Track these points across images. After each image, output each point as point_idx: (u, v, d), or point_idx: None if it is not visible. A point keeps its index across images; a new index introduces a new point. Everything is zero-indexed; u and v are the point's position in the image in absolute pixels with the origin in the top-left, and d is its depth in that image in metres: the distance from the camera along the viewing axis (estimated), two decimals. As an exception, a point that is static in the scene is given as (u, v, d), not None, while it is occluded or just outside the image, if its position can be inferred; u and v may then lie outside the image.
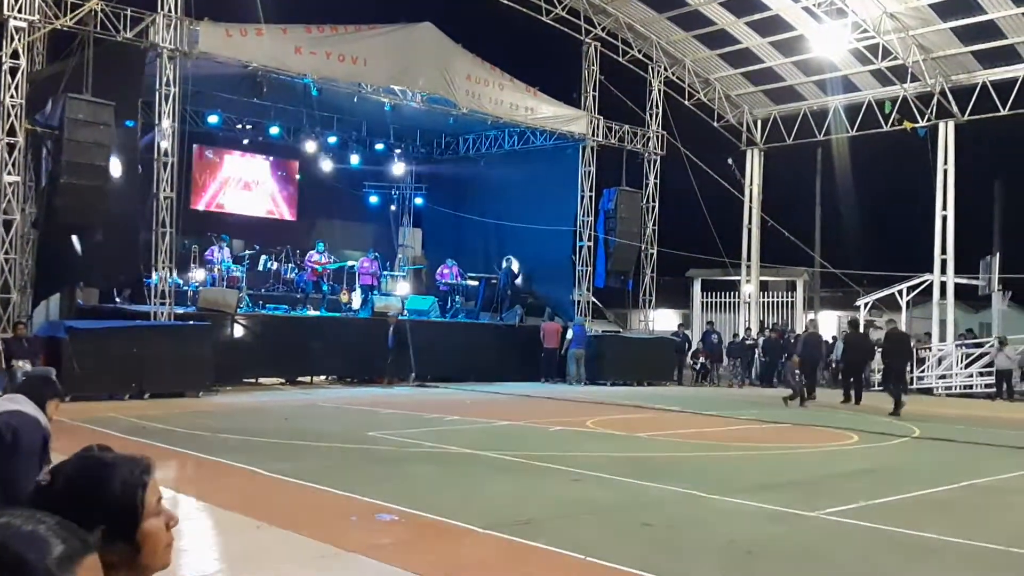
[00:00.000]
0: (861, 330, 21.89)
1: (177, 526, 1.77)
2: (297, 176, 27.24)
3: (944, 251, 25.83)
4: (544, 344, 24.50)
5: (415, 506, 7.88)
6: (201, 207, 25.14)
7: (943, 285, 25.93)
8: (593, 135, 25.43)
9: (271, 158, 26.95)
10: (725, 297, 32.34)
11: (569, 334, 24.48)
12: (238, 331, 19.92)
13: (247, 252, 23.01)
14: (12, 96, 16.56)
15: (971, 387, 25.02)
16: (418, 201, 29.95)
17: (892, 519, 7.98)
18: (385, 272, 25.26)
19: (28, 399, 4.72)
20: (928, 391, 24.97)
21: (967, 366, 25.43)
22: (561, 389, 22.60)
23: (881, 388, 20.88)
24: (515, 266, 25.83)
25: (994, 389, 24.16)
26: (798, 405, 19.03)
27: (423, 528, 7.32)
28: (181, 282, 20.44)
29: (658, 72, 27.18)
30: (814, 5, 23.11)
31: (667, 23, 26.22)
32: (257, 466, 9.69)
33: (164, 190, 18.00)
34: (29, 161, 17.20)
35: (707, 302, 32.98)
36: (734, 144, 29.89)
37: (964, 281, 26.80)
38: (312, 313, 22.27)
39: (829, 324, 33.03)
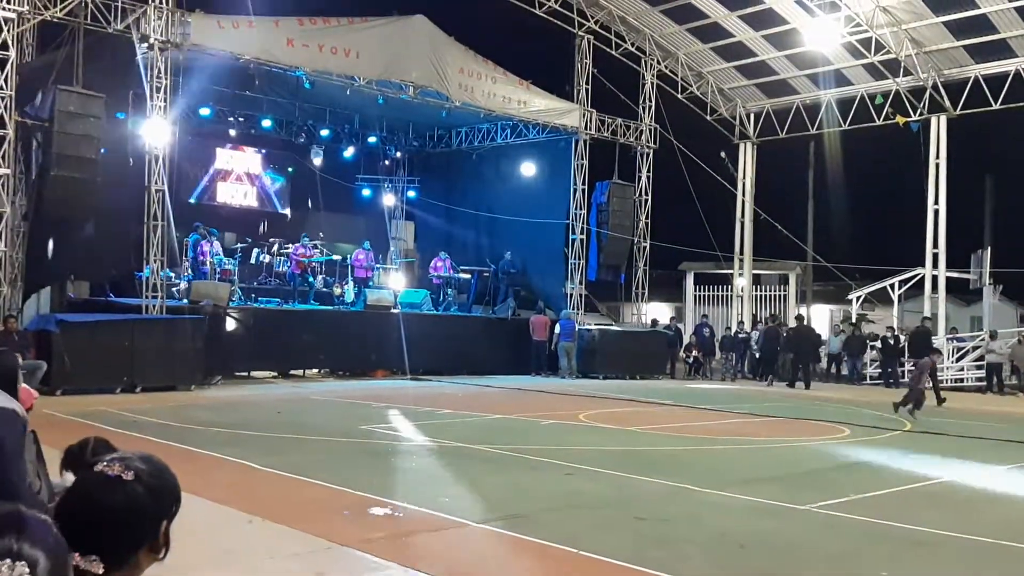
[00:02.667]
0: (806, 323, 25.55)
1: None
2: (289, 169, 27.16)
3: (936, 245, 25.88)
4: (533, 337, 24.52)
5: (408, 499, 7.88)
6: (193, 200, 25.05)
7: (935, 279, 25.99)
8: (586, 128, 25.41)
9: (263, 151, 26.85)
10: (718, 291, 32.40)
11: (558, 328, 24.49)
12: (230, 324, 19.87)
13: (239, 245, 22.94)
14: (1, 88, 16.44)
15: (962, 380, 25.12)
16: (410, 194, 29.89)
17: (882, 512, 8.01)
18: (377, 265, 25.23)
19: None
20: (919, 384, 25.01)
21: (958, 359, 25.52)
22: (553, 382, 22.61)
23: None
24: (507, 255, 25.87)
25: (985, 383, 24.26)
26: (909, 413, 16.19)
27: (416, 521, 7.32)
28: (173, 275, 20.37)
29: (651, 65, 27.17)
30: (807, -1, 23.12)
31: (660, 16, 26.19)
32: (249, 460, 9.68)
33: (155, 183, 17.93)
34: (19, 153, 17.11)
35: (700, 295, 33.04)
36: (727, 137, 29.91)
37: (956, 275, 26.87)
38: (304, 306, 22.24)
39: (822, 318, 33.14)
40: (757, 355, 26.75)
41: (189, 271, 21.21)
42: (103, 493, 1.73)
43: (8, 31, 16.45)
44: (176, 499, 1.84)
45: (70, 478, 4.01)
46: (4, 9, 16.33)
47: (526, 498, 8.37)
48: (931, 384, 18.94)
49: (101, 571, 1.65)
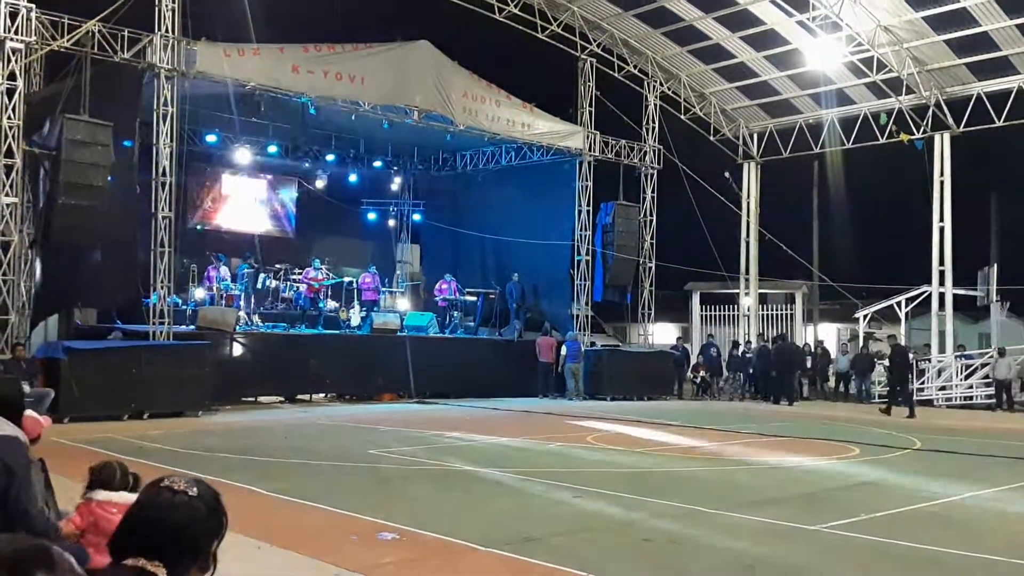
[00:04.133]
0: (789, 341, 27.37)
1: None
2: (295, 194, 27.28)
3: (942, 262, 25.82)
4: (540, 359, 24.48)
5: (416, 524, 7.86)
6: (200, 226, 25.16)
7: (941, 296, 25.93)
8: (590, 150, 25.49)
9: (269, 176, 26.98)
10: (724, 310, 32.35)
11: (564, 349, 24.44)
12: (237, 349, 19.89)
13: (245, 270, 22.99)
14: (9, 117, 16.57)
15: (971, 398, 25.00)
16: (416, 217, 30.00)
17: (894, 532, 7.96)
18: (383, 288, 25.28)
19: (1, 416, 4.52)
20: (928, 403, 24.94)
21: (967, 377, 25.41)
22: (560, 404, 22.56)
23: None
24: (515, 277, 25.90)
25: (994, 400, 24.14)
26: None
27: (424, 546, 7.30)
28: (180, 301, 20.42)
29: (654, 87, 27.27)
30: (808, 19, 23.20)
31: (662, 38, 26.32)
32: (257, 485, 9.67)
33: (162, 210, 18.02)
34: (27, 182, 17.20)
35: (706, 315, 32.98)
36: (731, 158, 29.95)
37: (963, 292, 26.80)
38: (311, 330, 22.27)
39: (829, 336, 33.08)
40: (751, 371, 27.21)
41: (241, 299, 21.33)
42: (171, 506, 1.92)
43: (16, 61, 16.61)
44: (224, 523, 2.03)
45: (103, 495, 4.07)
46: (12, 40, 16.50)
47: (535, 521, 8.34)
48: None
49: (164, 574, 1.82)
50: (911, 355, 23.68)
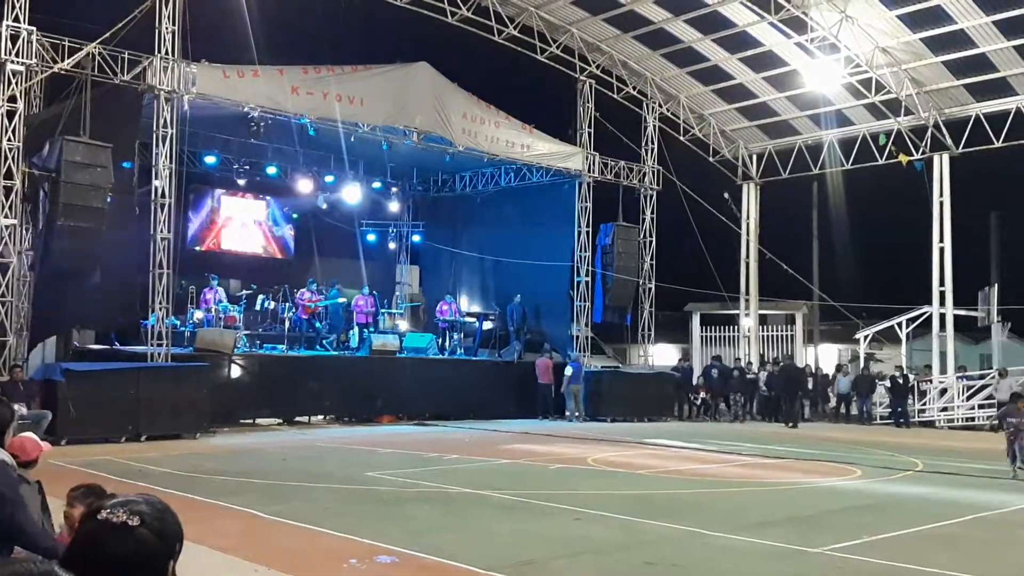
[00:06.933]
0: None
1: None
2: (294, 215, 27.27)
3: (942, 283, 25.78)
4: (539, 380, 24.38)
5: (415, 547, 7.78)
6: (198, 248, 25.13)
7: (942, 317, 25.87)
8: (589, 171, 25.52)
9: (268, 198, 26.99)
10: (724, 331, 32.28)
11: (568, 371, 24.32)
12: (235, 371, 19.81)
13: (244, 292, 22.94)
14: (9, 139, 16.58)
15: (973, 419, 24.87)
16: (415, 238, 30.00)
17: (896, 554, 7.88)
18: (383, 310, 25.20)
19: None
20: (930, 424, 24.83)
21: (968, 398, 25.31)
22: (561, 426, 22.46)
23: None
24: (516, 299, 25.85)
25: (996, 421, 24.00)
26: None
27: (423, 570, 7.22)
28: (178, 323, 20.35)
29: (653, 108, 27.35)
30: (807, 41, 23.31)
31: (661, 60, 26.41)
32: (255, 508, 9.59)
33: (161, 231, 18.00)
34: (26, 204, 17.20)
35: (706, 336, 32.91)
36: (730, 178, 29.99)
37: (963, 313, 26.73)
38: (309, 352, 22.19)
39: (829, 357, 33.01)
40: (763, 393, 27.06)
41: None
42: (111, 542, 1.71)
43: (16, 83, 16.64)
44: (180, 538, 1.82)
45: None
46: (12, 62, 16.54)
47: (534, 544, 8.26)
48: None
49: None
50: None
